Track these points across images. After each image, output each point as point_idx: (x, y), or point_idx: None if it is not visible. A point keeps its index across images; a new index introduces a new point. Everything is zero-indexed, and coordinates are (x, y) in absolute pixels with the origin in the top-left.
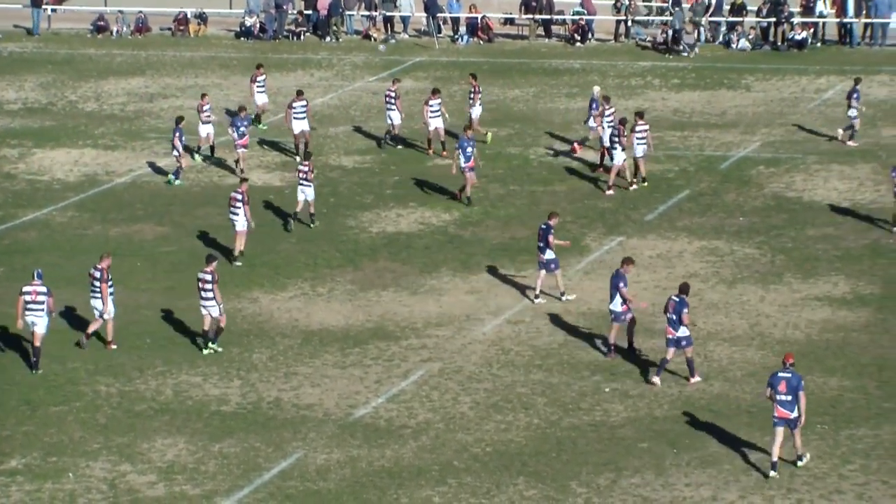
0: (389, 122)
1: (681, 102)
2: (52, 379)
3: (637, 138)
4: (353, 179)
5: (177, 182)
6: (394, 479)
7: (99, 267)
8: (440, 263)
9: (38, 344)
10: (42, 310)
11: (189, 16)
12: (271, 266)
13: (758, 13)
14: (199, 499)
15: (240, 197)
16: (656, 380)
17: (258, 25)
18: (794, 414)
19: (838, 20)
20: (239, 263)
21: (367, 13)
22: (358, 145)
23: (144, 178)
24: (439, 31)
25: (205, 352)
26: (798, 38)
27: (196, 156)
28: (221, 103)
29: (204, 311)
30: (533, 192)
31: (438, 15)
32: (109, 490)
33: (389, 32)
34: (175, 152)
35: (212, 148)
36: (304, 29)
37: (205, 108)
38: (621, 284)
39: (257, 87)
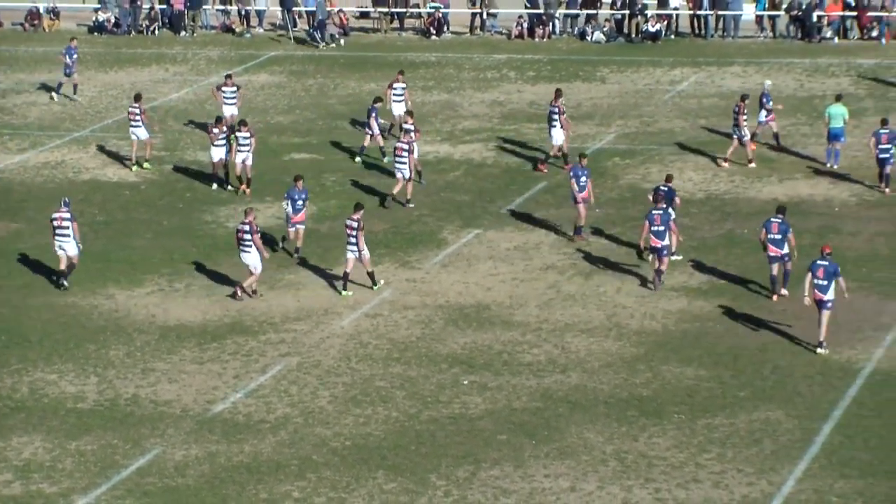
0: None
1: (536, 95)
2: None
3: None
4: (210, 174)
5: (357, 160)
6: (253, 475)
7: (246, 221)
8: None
9: (73, 263)
10: (68, 234)
11: (41, 11)
12: (127, 262)
13: (612, 5)
14: (56, 497)
15: (406, 147)
16: (785, 291)
17: (112, 20)
18: (827, 297)
19: (692, 12)
20: (411, 205)
21: (222, 7)
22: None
23: None
24: (294, 26)
25: (344, 294)
26: (652, 30)
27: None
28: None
29: (349, 255)
30: (390, 186)
31: (293, 9)
32: None
33: (246, 27)
34: (368, 131)
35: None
36: (158, 23)
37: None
38: (672, 222)
39: (394, 94)
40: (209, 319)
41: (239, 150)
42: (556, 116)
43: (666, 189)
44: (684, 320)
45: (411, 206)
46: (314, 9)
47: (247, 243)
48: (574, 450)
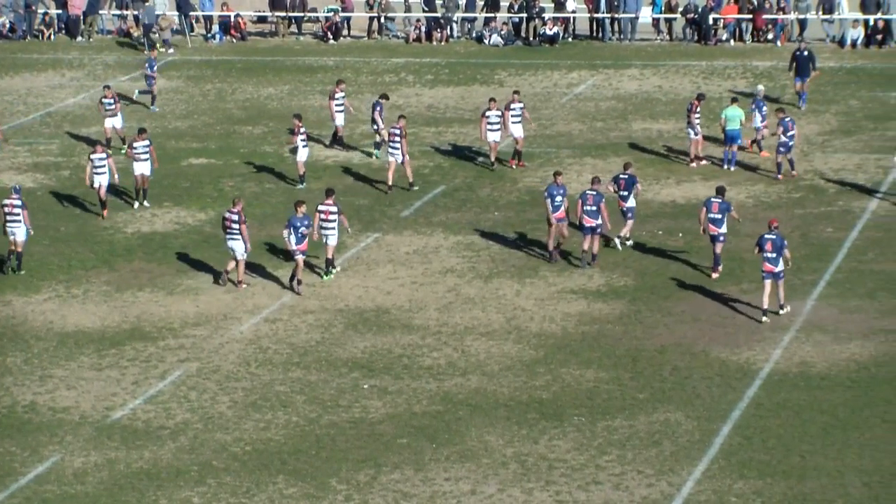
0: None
1: (434, 98)
2: None
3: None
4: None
5: (376, 153)
6: (153, 481)
7: (234, 210)
8: (197, 263)
9: (19, 249)
10: (19, 220)
11: None
12: (24, 268)
13: (509, 9)
14: None
15: (398, 132)
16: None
17: (7, 25)
18: (778, 268)
19: (589, 15)
20: (416, 187)
21: (118, 12)
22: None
23: None
24: (192, 30)
25: (325, 278)
26: (550, 33)
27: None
28: None
29: (329, 241)
30: (289, 190)
31: (191, 13)
32: None
33: (142, 32)
34: (374, 126)
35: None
36: (55, 28)
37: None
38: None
39: (336, 104)
40: (107, 325)
41: (95, 173)
42: (521, 112)
43: (626, 176)
44: (583, 323)
45: (416, 188)
46: (212, 13)
47: (234, 231)
48: (474, 453)
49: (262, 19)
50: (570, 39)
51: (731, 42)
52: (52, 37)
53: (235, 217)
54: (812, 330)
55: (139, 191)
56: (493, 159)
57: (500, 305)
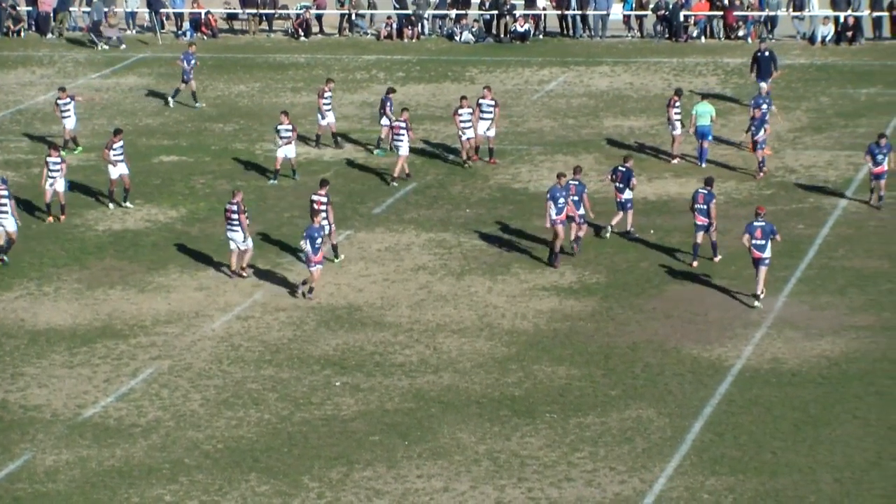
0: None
1: (406, 95)
2: None
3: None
4: (77, 177)
5: (377, 152)
6: (124, 479)
7: (234, 201)
8: (168, 260)
9: (11, 238)
10: (7, 210)
11: None
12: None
13: (480, 6)
14: None
15: (403, 125)
16: (716, 258)
17: None
18: (765, 254)
19: (559, 12)
20: (395, 184)
21: (88, 9)
22: (81, 143)
23: None
24: (162, 27)
25: (337, 260)
26: (520, 30)
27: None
28: None
29: (326, 229)
30: (260, 188)
31: (161, 10)
32: None
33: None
34: (384, 121)
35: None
36: (24, 25)
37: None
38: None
39: (324, 103)
40: (79, 323)
41: (49, 176)
42: (491, 109)
43: (624, 169)
44: (555, 320)
45: (395, 184)
46: (182, 10)
47: (234, 222)
48: (447, 450)
49: (232, 16)
50: (541, 36)
51: (703, 39)
52: (22, 34)
53: (235, 207)
54: (783, 326)
55: (112, 192)
56: (464, 157)
57: (472, 302)
